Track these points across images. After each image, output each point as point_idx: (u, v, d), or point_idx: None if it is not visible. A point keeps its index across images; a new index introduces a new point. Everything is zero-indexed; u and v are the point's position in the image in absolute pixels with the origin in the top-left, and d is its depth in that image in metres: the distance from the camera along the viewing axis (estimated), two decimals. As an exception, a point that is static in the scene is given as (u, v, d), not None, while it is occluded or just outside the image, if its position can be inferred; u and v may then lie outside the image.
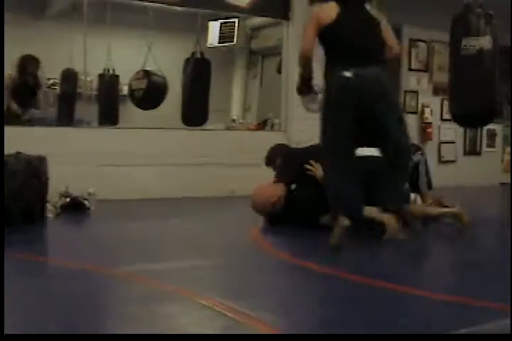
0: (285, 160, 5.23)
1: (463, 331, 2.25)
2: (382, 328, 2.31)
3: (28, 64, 7.13)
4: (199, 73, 7.76)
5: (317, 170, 4.80)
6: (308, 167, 4.83)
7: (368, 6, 4.31)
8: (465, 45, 5.19)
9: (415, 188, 4.98)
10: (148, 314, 2.51)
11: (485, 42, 5.14)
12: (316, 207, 4.62)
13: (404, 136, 4.13)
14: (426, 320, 2.43)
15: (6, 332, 2.06)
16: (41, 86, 7.43)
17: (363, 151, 4.71)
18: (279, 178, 5.10)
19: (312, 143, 5.48)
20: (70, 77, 7.92)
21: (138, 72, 7.79)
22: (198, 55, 7.80)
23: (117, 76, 8.31)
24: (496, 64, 5.25)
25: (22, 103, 7.09)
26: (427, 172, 5.20)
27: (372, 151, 4.71)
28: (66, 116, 7.86)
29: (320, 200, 4.47)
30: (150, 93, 7.67)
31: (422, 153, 5.19)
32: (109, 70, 8.19)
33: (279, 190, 4.95)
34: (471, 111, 5.28)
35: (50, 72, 8.03)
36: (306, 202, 4.76)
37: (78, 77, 7.81)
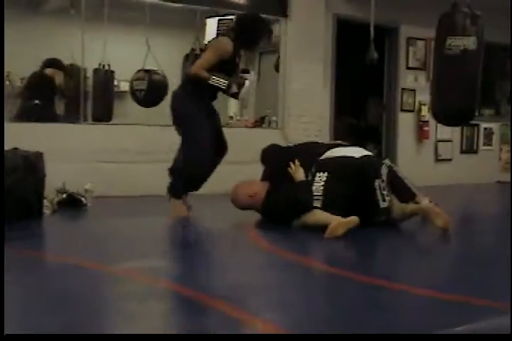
0: (270, 161, 5.21)
1: (459, 329, 2.25)
2: (380, 327, 2.32)
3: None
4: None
5: (296, 171, 4.80)
6: (289, 167, 4.83)
7: None
8: (449, 45, 5.20)
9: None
10: (145, 311, 2.51)
11: (469, 42, 5.15)
12: (287, 209, 4.59)
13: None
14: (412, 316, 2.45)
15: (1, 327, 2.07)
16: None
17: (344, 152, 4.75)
18: (262, 179, 5.09)
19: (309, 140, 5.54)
20: (72, 73, 7.89)
21: (138, 72, 7.80)
22: (198, 52, 7.78)
23: (113, 72, 8.29)
24: (479, 65, 5.26)
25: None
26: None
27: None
28: (67, 113, 7.89)
29: (293, 202, 4.53)
30: (151, 93, 7.72)
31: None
32: (104, 66, 8.17)
33: (256, 187, 4.93)
34: (450, 109, 5.31)
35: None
36: (279, 203, 4.71)
37: (80, 73, 7.79)
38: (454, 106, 5.29)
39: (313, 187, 4.55)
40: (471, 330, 2.26)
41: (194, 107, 5.04)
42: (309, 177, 4.69)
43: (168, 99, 7.69)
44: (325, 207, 4.44)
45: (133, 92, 7.91)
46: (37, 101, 7.39)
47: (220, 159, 5.36)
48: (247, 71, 5.46)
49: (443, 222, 4.43)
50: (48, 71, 7.56)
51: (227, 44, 5.01)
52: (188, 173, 5.06)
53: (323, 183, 4.53)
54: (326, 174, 4.58)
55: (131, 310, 2.52)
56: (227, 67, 5.02)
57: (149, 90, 7.70)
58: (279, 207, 4.68)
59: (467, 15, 5.20)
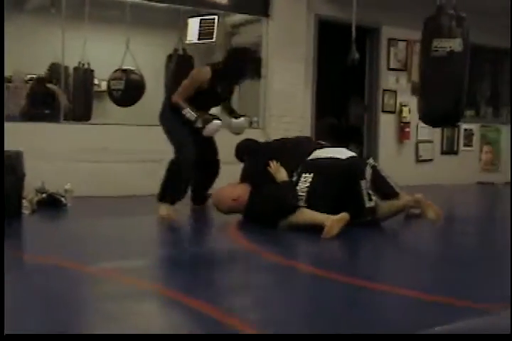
0: (249, 160, 5.22)
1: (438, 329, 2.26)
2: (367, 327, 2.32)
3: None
4: (181, 69, 7.73)
5: (277, 171, 4.80)
6: (269, 167, 4.84)
7: None
8: (435, 47, 5.21)
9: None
10: (124, 311, 2.50)
11: (455, 44, 5.17)
12: (273, 210, 4.57)
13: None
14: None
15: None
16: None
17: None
18: (241, 178, 5.10)
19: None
20: (55, 72, 7.85)
21: (116, 71, 7.76)
22: (181, 52, 7.77)
23: (92, 70, 8.25)
24: (466, 66, 5.27)
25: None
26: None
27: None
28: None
29: (278, 203, 4.54)
30: (128, 92, 7.68)
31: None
32: (83, 64, 8.13)
33: (239, 190, 4.90)
34: (437, 111, 5.33)
35: (29, 68, 7.99)
36: (264, 204, 4.68)
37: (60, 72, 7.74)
38: (441, 108, 5.30)
39: (298, 187, 4.57)
40: (451, 330, 2.26)
41: (176, 124, 5.16)
42: (294, 178, 4.69)
43: (148, 97, 7.76)
44: (309, 207, 4.45)
45: (110, 92, 7.87)
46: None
47: (211, 174, 5.59)
48: (242, 115, 5.53)
49: (435, 214, 4.49)
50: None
51: (204, 73, 5.16)
52: (170, 181, 5.11)
53: (308, 184, 4.55)
54: (311, 175, 4.59)
55: (109, 310, 2.50)
56: (204, 96, 5.15)
57: (126, 90, 7.66)
58: (264, 209, 4.65)
59: (453, 17, 5.22)
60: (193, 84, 5.14)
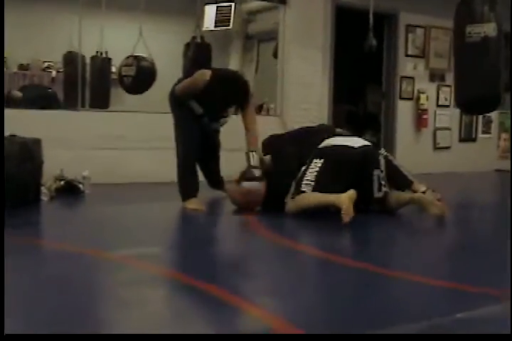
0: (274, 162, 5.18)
1: (459, 316, 2.26)
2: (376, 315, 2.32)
3: None
4: (199, 57, 7.72)
5: None
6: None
7: None
8: (469, 33, 5.13)
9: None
10: (141, 297, 2.51)
11: (489, 29, 5.08)
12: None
13: None
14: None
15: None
16: None
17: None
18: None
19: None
20: (71, 60, 7.87)
21: (128, 58, 7.76)
22: (199, 39, 7.75)
23: (110, 59, 8.26)
24: (500, 51, 5.19)
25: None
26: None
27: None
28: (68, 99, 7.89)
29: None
30: (139, 79, 7.66)
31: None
32: (101, 53, 8.14)
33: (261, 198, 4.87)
34: (475, 98, 5.25)
35: (46, 55, 8.02)
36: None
37: (79, 60, 7.76)
38: (478, 95, 5.21)
39: (307, 172, 4.58)
40: (467, 318, 2.27)
41: (181, 116, 5.22)
42: (306, 165, 4.68)
43: (163, 85, 7.74)
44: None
45: (121, 78, 7.84)
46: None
47: (210, 158, 5.57)
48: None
49: (438, 209, 4.45)
50: None
51: (202, 75, 5.11)
52: (182, 178, 5.15)
53: (317, 169, 4.56)
54: (321, 161, 4.59)
55: (126, 297, 2.52)
56: (205, 97, 5.11)
57: (137, 76, 7.63)
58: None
59: (485, 1, 5.13)
60: (193, 84, 5.13)
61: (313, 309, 2.42)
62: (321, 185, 4.48)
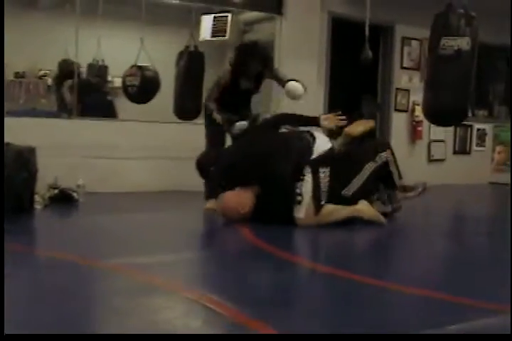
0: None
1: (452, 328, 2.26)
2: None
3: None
4: (192, 66, 7.74)
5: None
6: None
7: None
8: (443, 45, 5.19)
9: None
10: (133, 306, 2.50)
11: (463, 43, 5.14)
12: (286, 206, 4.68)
13: None
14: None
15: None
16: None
17: None
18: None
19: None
20: (65, 67, 7.86)
21: (131, 68, 7.76)
22: (192, 48, 7.76)
23: (106, 67, 8.27)
24: (473, 65, 5.25)
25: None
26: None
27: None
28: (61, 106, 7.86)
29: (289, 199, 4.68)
30: (144, 89, 7.66)
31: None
32: (98, 61, 8.15)
33: (246, 200, 4.75)
34: (442, 110, 5.30)
35: (42, 63, 8.01)
36: (276, 205, 4.72)
37: (74, 69, 7.75)
38: (447, 107, 5.28)
39: (321, 184, 4.69)
40: (464, 330, 2.26)
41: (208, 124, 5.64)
42: (307, 176, 4.70)
43: (159, 94, 7.77)
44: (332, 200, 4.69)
45: (125, 88, 7.86)
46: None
47: None
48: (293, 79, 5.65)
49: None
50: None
51: (225, 73, 5.58)
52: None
53: (328, 179, 4.70)
54: (328, 168, 4.73)
55: (119, 306, 2.51)
56: (231, 93, 5.51)
57: (141, 86, 7.65)
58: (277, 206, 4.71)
59: (462, 15, 5.19)
60: (218, 86, 5.54)
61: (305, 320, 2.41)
62: (336, 192, 4.71)
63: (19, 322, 2.23)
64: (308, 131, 5.11)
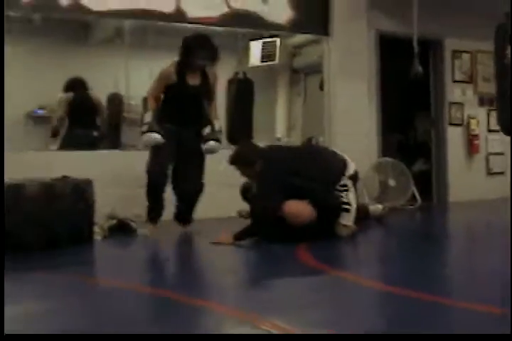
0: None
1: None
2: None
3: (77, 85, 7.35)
4: (243, 93, 7.82)
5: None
6: None
7: None
8: (507, 53, 5.13)
9: None
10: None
11: None
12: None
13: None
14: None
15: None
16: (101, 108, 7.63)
17: None
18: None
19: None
20: (115, 101, 8.01)
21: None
22: (241, 75, 7.83)
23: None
24: None
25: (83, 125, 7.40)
26: None
27: None
28: (112, 139, 7.98)
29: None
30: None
31: None
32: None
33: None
34: None
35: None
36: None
37: (123, 101, 7.88)
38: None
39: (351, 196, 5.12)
40: None
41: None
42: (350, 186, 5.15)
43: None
44: None
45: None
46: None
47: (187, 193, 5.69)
48: (214, 139, 5.56)
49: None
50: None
51: (167, 68, 5.39)
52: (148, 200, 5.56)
53: (353, 191, 5.16)
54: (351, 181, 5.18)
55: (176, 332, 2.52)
56: (173, 91, 5.35)
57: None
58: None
59: None
60: (159, 82, 5.38)
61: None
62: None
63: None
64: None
